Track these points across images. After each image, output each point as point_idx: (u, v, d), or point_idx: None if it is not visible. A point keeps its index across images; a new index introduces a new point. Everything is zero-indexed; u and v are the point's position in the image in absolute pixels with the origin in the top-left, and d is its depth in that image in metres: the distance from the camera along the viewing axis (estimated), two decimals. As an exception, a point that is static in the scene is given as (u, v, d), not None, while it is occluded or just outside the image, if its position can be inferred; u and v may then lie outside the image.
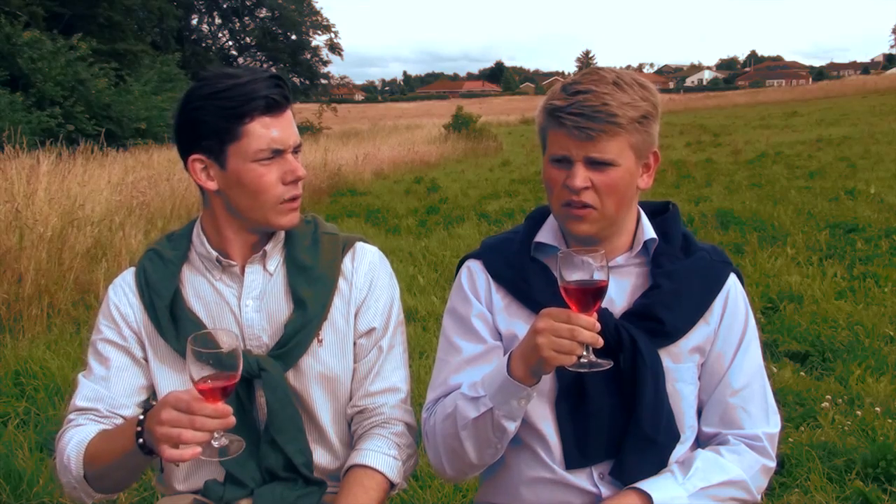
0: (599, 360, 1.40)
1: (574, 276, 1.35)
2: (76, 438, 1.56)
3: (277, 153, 1.56)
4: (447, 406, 1.57)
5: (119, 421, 1.61)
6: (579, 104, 1.45)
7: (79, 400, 1.63)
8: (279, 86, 1.56)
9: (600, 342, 1.36)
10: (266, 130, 1.54)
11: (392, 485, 1.63)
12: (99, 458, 1.52)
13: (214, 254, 1.64)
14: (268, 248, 1.66)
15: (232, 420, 1.33)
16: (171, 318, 1.63)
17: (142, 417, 1.43)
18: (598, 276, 1.35)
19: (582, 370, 1.40)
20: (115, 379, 1.63)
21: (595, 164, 1.47)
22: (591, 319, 1.35)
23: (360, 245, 1.74)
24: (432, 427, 1.60)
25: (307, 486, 1.65)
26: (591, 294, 1.36)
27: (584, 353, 1.37)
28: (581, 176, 1.47)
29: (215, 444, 1.34)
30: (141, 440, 1.41)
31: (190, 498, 1.64)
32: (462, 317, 1.64)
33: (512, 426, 1.49)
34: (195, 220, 1.71)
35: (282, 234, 1.68)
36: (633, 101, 1.47)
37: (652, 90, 1.52)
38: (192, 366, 1.29)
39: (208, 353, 1.29)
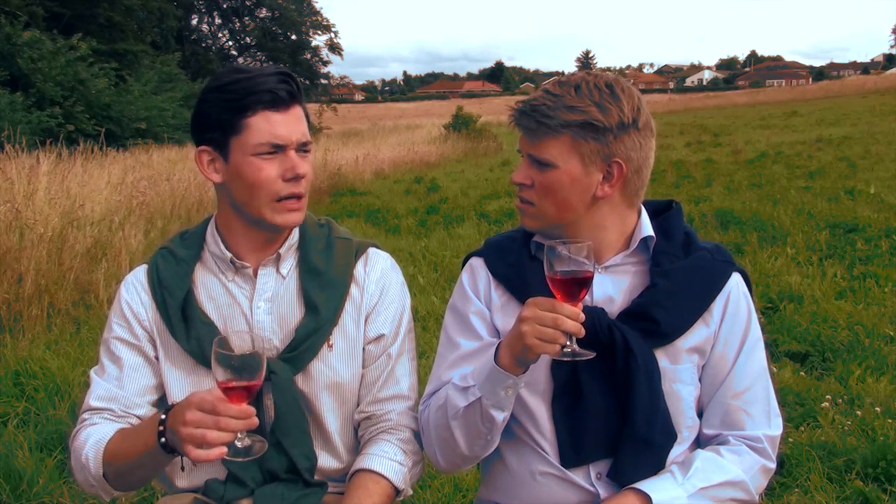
0: (583, 350, 1.40)
1: (559, 266, 1.37)
2: (94, 438, 1.56)
3: (278, 148, 1.55)
4: (440, 398, 1.58)
5: (134, 420, 1.62)
6: (527, 102, 1.52)
7: (93, 399, 1.63)
8: (286, 82, 1.55)
9: (583, 332, 1.37)
10: (268, 125, 1.53)
11: (397, 491, 1.63)
12: (118, 457, 1.52)
13: (229, 255, 1.64)
14: (282, 250, 1.65)
15: (255, 421, 1.34)
16: (183, 318, 1.62)
17: (163, 417, 1.43)
18: (583, 267, 1.37)
19: (565, 359, 1.41)
20: (129, 379, 1.64)
21: (538, 164, 1.53)
22: (575, 309, 1.36)
23: (373, 251, 1.74)
24: (426, 419, 1.62)
25: (308, 487, 1.65)
26: (576, 284, 1.38)
27: (568, 342, 1.38)
28: (520, 172, 1.56)
29: (239, 444, 1.36)
30: (163, 440, 1.42)
31: (190, 497, 1.64)
32: (461, 313, 1.66)
33: (500, 416, 1.49)
34: (209, 219, 1.71)
35: (295, 237, 1.68)
36: (581, 106, 1.48)
37: (623, 102, 1.50)
38: (216, 367, 1.31)
39: (232, 355, 1.31)
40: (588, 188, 1.53)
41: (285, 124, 1.55)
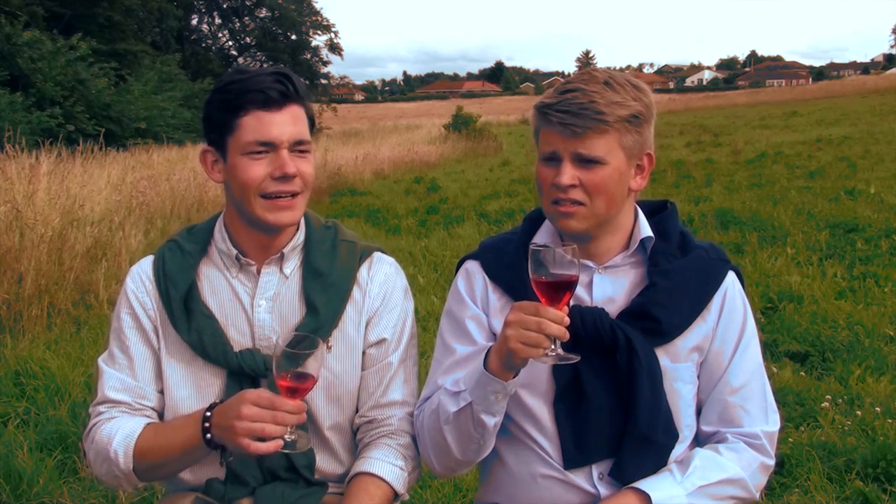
0: (567, 355, 1.40)
1: (543, 270, 1.37)
2: (121, 434, 1.58)
3: (268, 147, 1.55)
4: (433, 403, 1.59)
5: (149, 412, 1.65)
6: (567, 102, 1.48)
7: (108, 390, 1.65)
8: (280, 82, 1.56)
9: (566, 336, 1.37)
10: (258, 124, 1.55)
11: (396, 495, 1.64)
12: (152, 453, 1.56)
13: (234, 251, 1.66)
14: (286, 250, 1.66)
15: (304, 416, 1.43)
16: (185, 310, 1.64)
17: (208, 414, 1.49)
18: (567, 270, 1.37)
19: (549, 363, 1.41)
20: (140, 369, 1.66)
21: (583, 162, 1.49)
22: (559, 313, 1.36)
23: (377, 255, 1.75)
24: (421, 423, 1.63)
25: (308, 487, 1.65)
26: (560, 288, 1.38)
27: (552, 346, 1.38)
28: (568, 174, 1.49)
29: (287, 438, 1.43)
30: (208, 436, 1.48)
31: (191, 496, 1.64)
32: (457, 319, 1.66)
33: (492, 422, 1.49)
34: (217, 215, 1.73)
35: (301, 237, 1.69)
36: (623, 100, 1.48)
37: (645, 91, 1.52)
38: (278, 364, 1.38)
39: (299, 353, 1.38)
40: (627, 181, 1.53)
41: (277, 124, 1.56)
